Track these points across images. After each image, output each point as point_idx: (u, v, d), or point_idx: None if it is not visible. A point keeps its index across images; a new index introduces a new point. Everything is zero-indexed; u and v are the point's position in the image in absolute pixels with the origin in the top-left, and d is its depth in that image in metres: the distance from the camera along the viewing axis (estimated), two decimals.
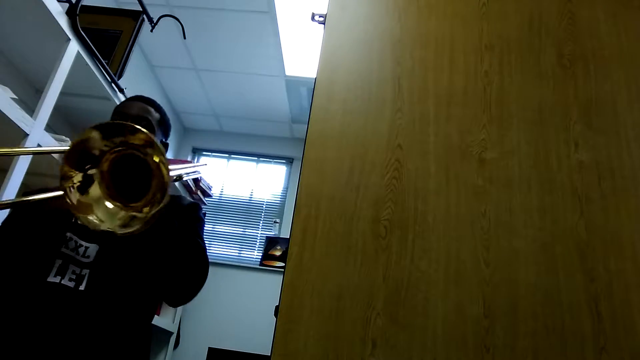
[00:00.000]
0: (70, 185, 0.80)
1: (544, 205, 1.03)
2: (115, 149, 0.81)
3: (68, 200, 0.80)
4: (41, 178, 1.70)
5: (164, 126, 1.26)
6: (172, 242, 1.00)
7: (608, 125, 1.12)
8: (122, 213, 0.82)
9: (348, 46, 1.25)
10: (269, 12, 2.68)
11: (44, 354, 0.95)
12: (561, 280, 0.96)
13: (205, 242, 1.16)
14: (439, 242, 1.00)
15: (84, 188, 0.81)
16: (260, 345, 2.76)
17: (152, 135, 0.80)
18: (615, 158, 1.08)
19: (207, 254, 1.10)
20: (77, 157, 0.81)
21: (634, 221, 1.01)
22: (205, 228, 1.28)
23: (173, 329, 2.81)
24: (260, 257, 3.41)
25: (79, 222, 0.83)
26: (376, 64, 1.21)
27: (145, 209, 0.80)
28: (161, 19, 2.10)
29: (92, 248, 1.06)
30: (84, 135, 0.80)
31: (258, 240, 3.62)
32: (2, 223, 1.08)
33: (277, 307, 0.95)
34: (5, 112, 1.29)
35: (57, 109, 1.57)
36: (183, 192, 2.71)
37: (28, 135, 1.37)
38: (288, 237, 1.04)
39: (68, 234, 1.06)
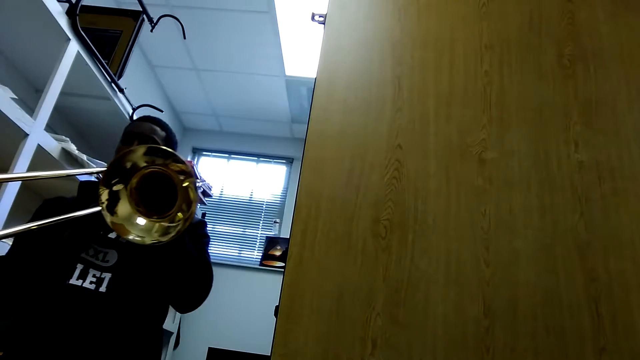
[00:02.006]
0: (102, 203, 0.88)
1: (544, 205, 1.03)
2: (149, 168, 0.90)
3: (108, 222, 0.88)
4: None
5: (170, 143, 1.36)
6: (182, 255, 1.08)
7: (608, 125, 1.12)
8: (157, 226, 0.90)
9: (348, 46, 1.25)
10: (269, 12, 2.68)
11: (65, 352, 1.01)
12: (561, 280, 0.96)
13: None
14: (439, 242, 1.00)
15: (112, 207, 0.89)
16: (260, 345, 2.76)
17: (190, 169, 0.89)
18: (615, 158, 1.08)
19: (211, 267, 1.20)
20: (110, 174, 0.89)
21: (634, 221, 1.01)
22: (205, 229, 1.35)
23: (173, 329, 2.81)
24: (260, 257, 3.41)
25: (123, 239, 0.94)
26: (376, 64, 1.21)
27: (179, 215, 0.89)
28: (161, 19, 2.10)
29: (111, 253, 1.14)
30: (131, 148, 0.89)
31: (258, 240, 3.62)
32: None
33: (277, 307, 0.95)
34: (5, 112, 1.29)
35: (57, 109, 1.57)
36: None
37: (28, 135, 1.37)
38: (288, 237, 1.04)
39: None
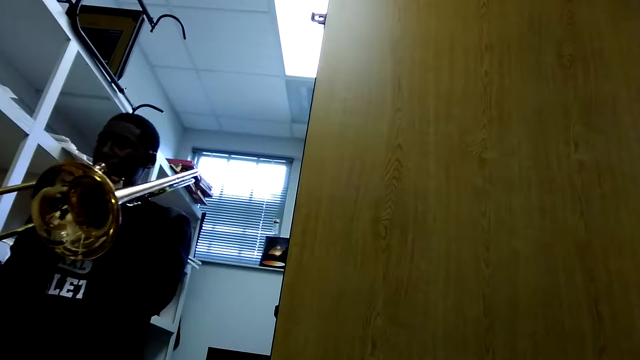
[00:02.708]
0: (54, 218, 0.92)
1: (544, 205, 1.03)
2: (73, 186, 0.93)
3: (41, 233, 0.91)
4: None
5: (147, 139, 1.34)
6: (142, 255, 1.12)
7: (608, 125, 1.12)
8: (78, 234, 0.92)
9: (348, 46, 1.25)
10: (269, 12, 2.68)
11: None
12: (561, 280, 0.96)
13: (187, 253, 1.27)
14: (439, 242, 1.00)
15: (63, 215, 0.94)
16: (260, 345, 2.76)
17: (75, 162, 0.92)
18: (615, 158, 1.08)
19: (183, 268, 1.21)
20: (48, 206, 0.93)
21: (634, 221, 1.01)
22: (204, 229, 1.34)
23: (173, 329, 2.81)
24: (260, 257, 3.41)
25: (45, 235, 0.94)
26: (376, 64, 1.21)
27: (94, 233, 0.91)
28: (161, 19, 2.10)
29: (87, 260, 1.13)
30: (35, 202, 0.91)
31: (258, 240, 3.61)
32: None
33: (277, 307, 0.95)
34: (5, 112, 1.29)
35: (57, 109, 1.57)
36: (183, 193, 2.71)
37: (28, 135, 1.37)
38: (288, 237, 1.04)
39: None
